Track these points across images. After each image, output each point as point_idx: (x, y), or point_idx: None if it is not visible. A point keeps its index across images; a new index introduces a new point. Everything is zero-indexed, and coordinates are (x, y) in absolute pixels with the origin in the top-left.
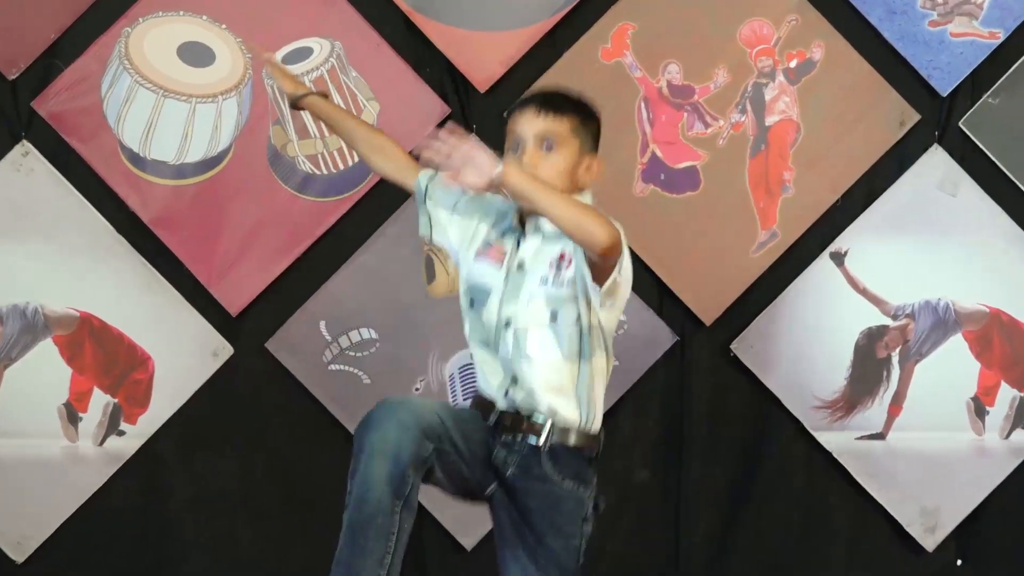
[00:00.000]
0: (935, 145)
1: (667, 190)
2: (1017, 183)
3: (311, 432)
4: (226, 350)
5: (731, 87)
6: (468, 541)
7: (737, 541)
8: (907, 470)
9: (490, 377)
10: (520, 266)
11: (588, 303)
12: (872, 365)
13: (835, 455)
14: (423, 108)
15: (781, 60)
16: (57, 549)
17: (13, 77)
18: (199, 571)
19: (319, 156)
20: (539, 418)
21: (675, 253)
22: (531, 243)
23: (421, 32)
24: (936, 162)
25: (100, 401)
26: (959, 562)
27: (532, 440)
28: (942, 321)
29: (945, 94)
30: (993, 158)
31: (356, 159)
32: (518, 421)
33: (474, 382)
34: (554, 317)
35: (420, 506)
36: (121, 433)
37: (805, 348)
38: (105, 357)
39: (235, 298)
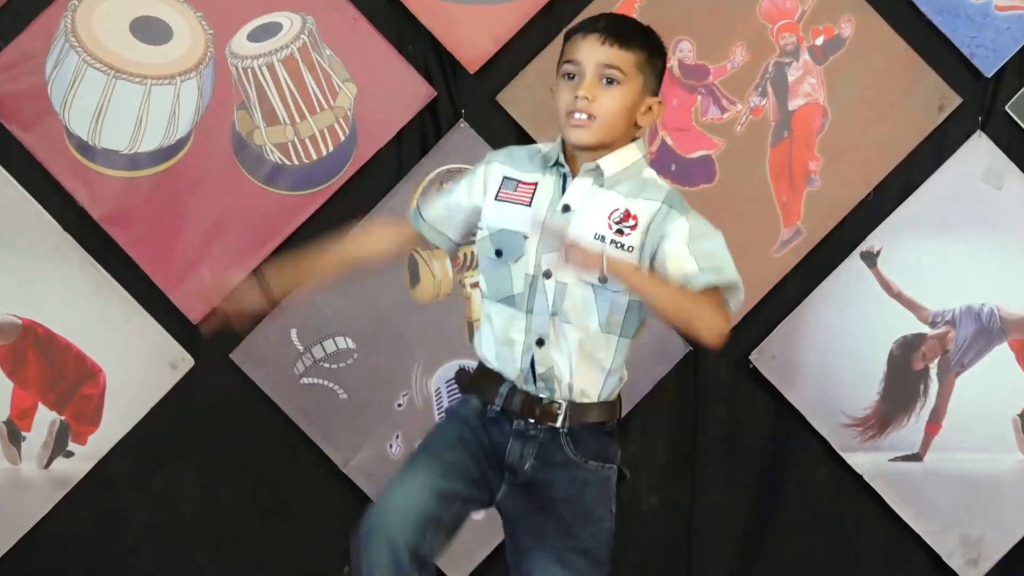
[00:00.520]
0: (978, 132)
1: (679, 182)
2: None
3: (281, 452)
4: (186, 361)
5: (750, 67)
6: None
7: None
8: (947, 495)
9: (512, 335)
10: (566, 208)
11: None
12: (907, 378)
13: (866, 479)
14: (406, 91)
15: (806, 37)
16: None
17: None
18: None
19: (289, 144)
20: (555, 396)
21: None
22: (580, 185)
23: (404, 6)
24: (979, 151)
25: (45, 419)
26: None
27: (549, 424)
28: (986, 329)
29: (989, 75)
30: None
31: (331, 148)
32: (531, 403)
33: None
34: (603, 280)
35: None
36: (69, 454)
37: (833, 359)
38: (51, 369)
39: (196, 304)
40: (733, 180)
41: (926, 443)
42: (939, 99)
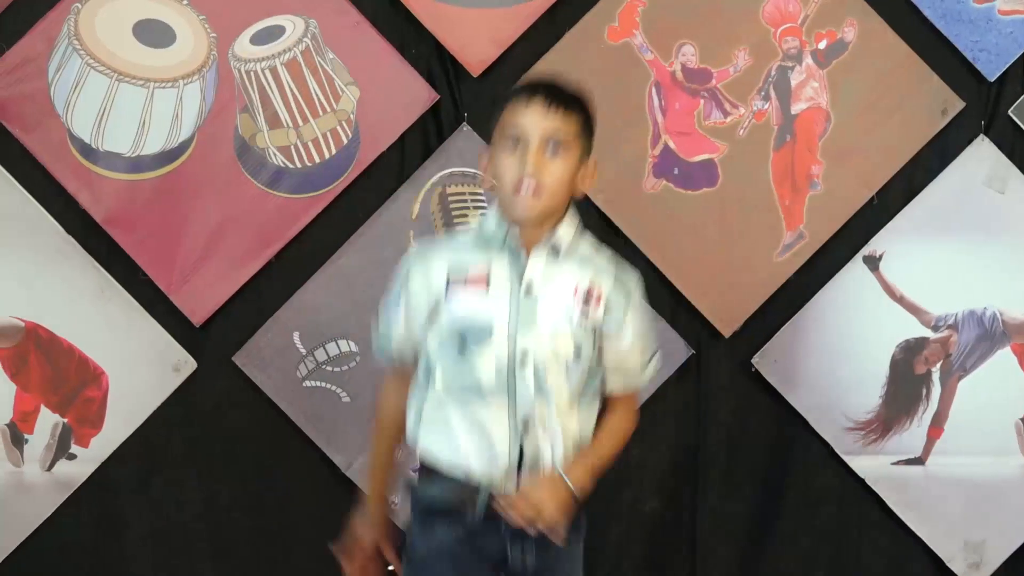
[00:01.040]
0: (981, 136)
1: (681, 186)
2: None
3: (283, 456)
4: (188, 364)
5: (753, 71)
6: None
7: None
8: (949, 499)
9: (488, 433)
10: (528, 290)
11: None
12: (910, 382)
13: (869, 483)
14: (408, 94)
15: (809, 41)
16: None
17: None
18: None
19: (292, 148)
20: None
21: (690, 257)
22: (537, 262)
23: (407, 9)
24: (982, 155)
25: (48, 421)
26: None
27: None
28: (988, 333)
29: (993, 79)
30: None
31: (333, 151)
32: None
33: None
34: (577, 355)
35: None
36: (71, 457)
37: (835, 363)
38: (53, 372)
39: (198, 306)
40: (736, 184)
41: (928, 447)
42: (942, 103)
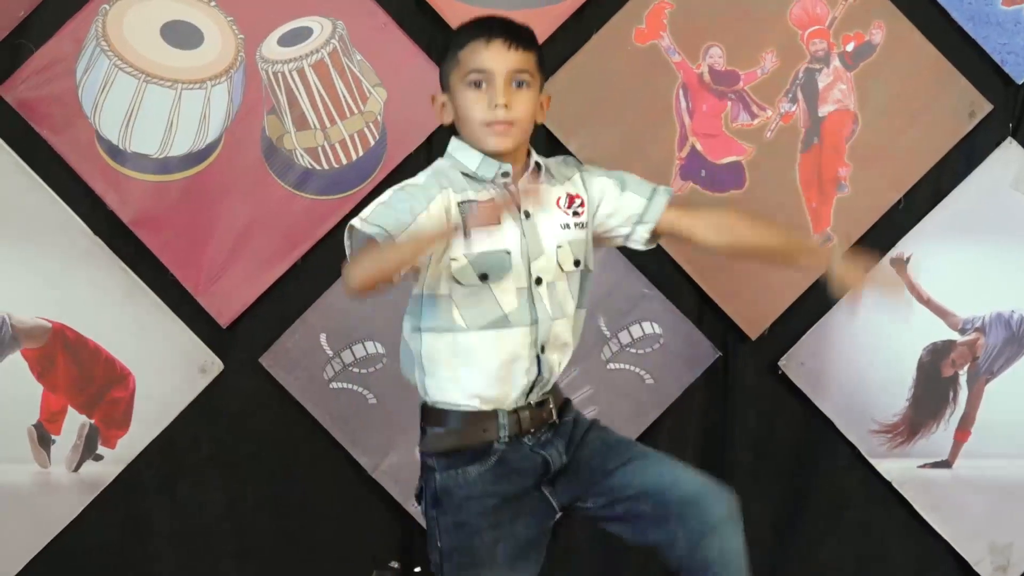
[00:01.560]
0: (1009, 139)
1: (708, 188)
2: None
3: (310, 458)
4: (215, 366)
5: (780, 73)
6: None
7: None
8: (976, 502)
9: (516, 354)
10: (527, 215)
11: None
12: (937, 385)
13: (895, 486)
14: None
15: (836, 43)
16: None
17: None
18: None
19: (319, 149)
20: (546, 392)
21: (717, 259)
22: (524, 186)
23: (433, 11)
24: (1010, 157)
25: (75, 422)
26: None
27: (553, 420)
28: (1016, 336)
29: (1020, 81)
30: None
31: (361, 152)
32: (538, 411)
33: None
34: (577, 263)
35: None
36: (98, 458)
37: (862, 366)
38: (80, 373)
39: (225, 308)
40: (763, 186)
41: (955, 450)
42: (969, 105)
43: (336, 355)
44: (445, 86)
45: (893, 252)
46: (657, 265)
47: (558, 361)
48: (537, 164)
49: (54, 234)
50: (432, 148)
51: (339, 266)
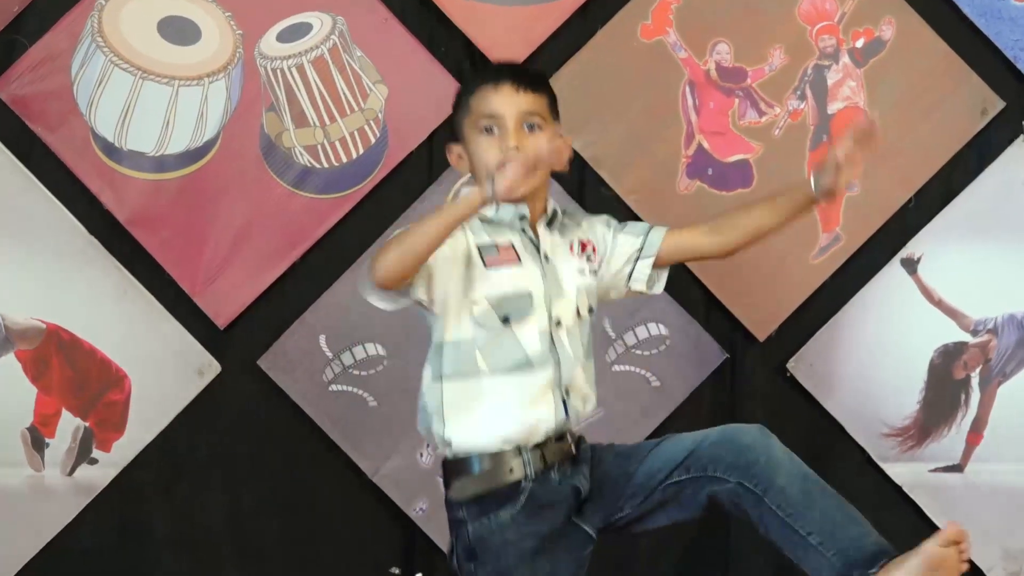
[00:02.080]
0: (1022, 136)
1: (715, 187)
2: None
3: (309, 462)
4: (212, 368)
5: (789, 70)
6: None
7: None
8: (988, 507)
9: (535, 405)
10: (547, 258)
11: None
12: (948, 387)
13: (906, 490)
14: (438, 93)
15: (846, 39)
16: None
17: None
18: None
19: (319, 147)
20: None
21: (724, 260)
22: (544, 234)
23: (436, 6)
24: (1022, 155)
25: (69, 425)
26: None
27: (572, 452)
28: None
29: None
30: None
31: (361, 150)
32: (561, 446)
33: None
34: (590, 309)
35: None
36: (93, 461)
37: (872, 368)
38: (75, 375)
39: (223, 308)
40: (771, 185)
41: (967, 454)
42: (982, 103)
43: (336, 357)
44: (459, 136)
45: (903, 252)
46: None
47: (582, 406)
48: (555, 210)
49: (48, 233)
50: (434, 146)
51: (339, 266)
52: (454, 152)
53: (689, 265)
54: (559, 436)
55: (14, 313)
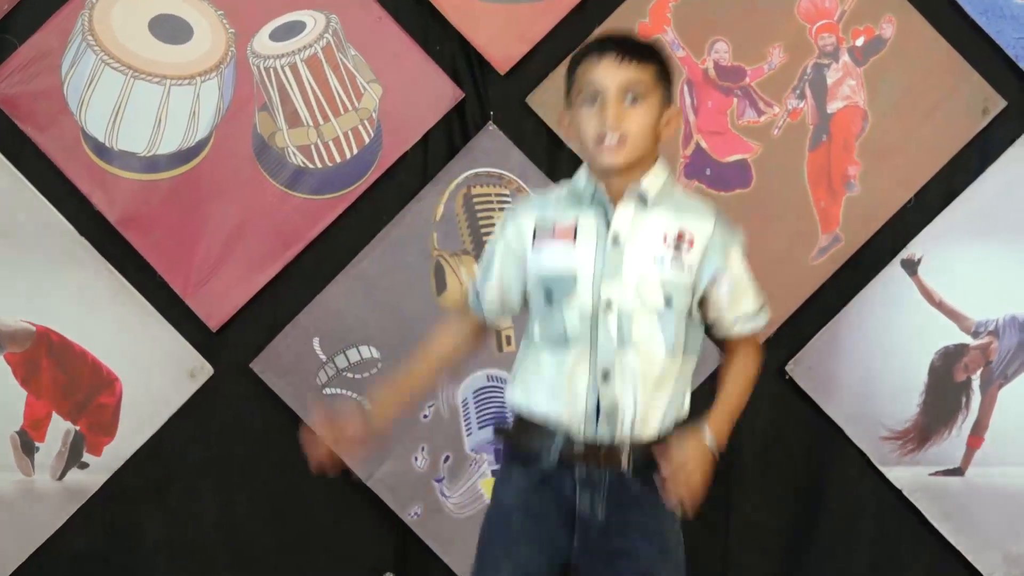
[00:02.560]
0: None
1: (714, 187)
2: None
3: (302, 465)
4: (205, 370)
5: (788, 69)
6: None
7: None
8: (989, 511)
9: (571, 380)
10: (616, 239)
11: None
12: (949, 390)
13: (906, 493)
14: (433, 92)
15: (846, 37)
16: None
17: None
18: None
19: (312, 147)
20: (615, 436)
21: None
22: (624, 212)
23: (431, 4)
24: None
25: (59, 429)
26: None
27: (613, 467)
28: None
29: None
30: None
31: (355, 150)
32: (593, 449)
33: (493, 407)
34: (668, 302)
35: None
36: (84, 465)
37: (872, 370)
38: (65, 378)
39: (215, 310)
40: (770, 185)
41: (968, 457)
42: (983, 102)
43: (330, 360)
44: (569, 106)
45: (904, 253)
46: None
47: (632, 400)
48: (642, 197)
49: (38, 234)
50: (428, 146)
51: (333, 268)
52: (564, 120)
53: None
54: (610, 447)
55: (3, 315)
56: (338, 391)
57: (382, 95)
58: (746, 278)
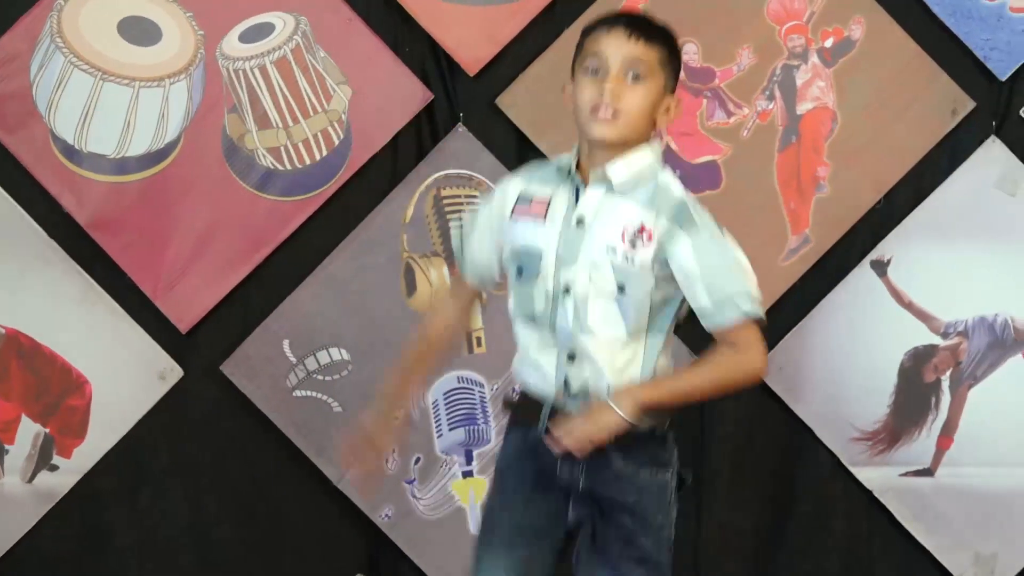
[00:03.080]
0: (992, 137)
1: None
2: None
3: (273, 468)
4: (175, 372)
5: (757, 70)
6: None
7: None
8: (959, 511)
9: (541, 358)
10: (580, 222)
11: (662, 280)
12: (919, 390)
13: (876, 494)
14: (402, 94)
15: (815, 39)
16: None
17: None
18: None
19: (282, 149)
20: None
21: None
22: (592, 195)
23: (401, 6)
24: (993, 156)
25: (29, 431)
26: None
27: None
28: (999, 340)
29: (1004, 78)
30: None
31: (325, 152)
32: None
33: (463, 409)
34: (621, 289)
35: None
36: (53, 468)
37: (842, 371)
38: (35, 380)
39: (185, 313)
40: (739, 186)
41: (938, 458)
42: (952, 103)
43: (299, 362)
44: (572, 75)
45: (873, 254)
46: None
47: (600, 380)
48: (608, 178)
49: (7, 237)
50: (398, 148)
51: (303, 269)
52: (566, 91)
53: None
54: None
55: None
56: (308, 393)
57: (352, 97)
58: (711, 268)
